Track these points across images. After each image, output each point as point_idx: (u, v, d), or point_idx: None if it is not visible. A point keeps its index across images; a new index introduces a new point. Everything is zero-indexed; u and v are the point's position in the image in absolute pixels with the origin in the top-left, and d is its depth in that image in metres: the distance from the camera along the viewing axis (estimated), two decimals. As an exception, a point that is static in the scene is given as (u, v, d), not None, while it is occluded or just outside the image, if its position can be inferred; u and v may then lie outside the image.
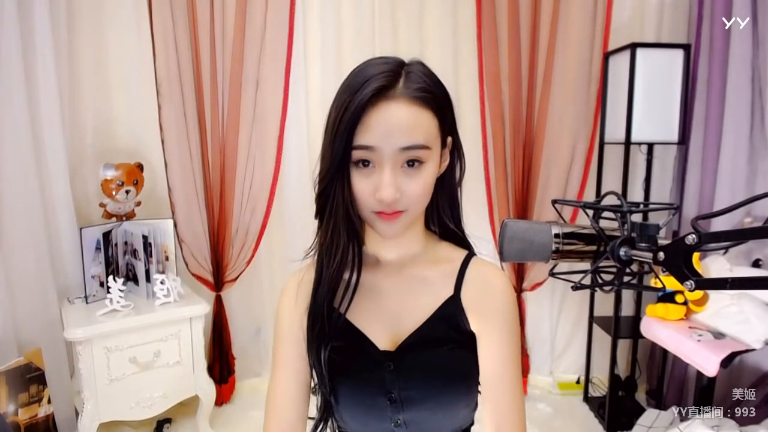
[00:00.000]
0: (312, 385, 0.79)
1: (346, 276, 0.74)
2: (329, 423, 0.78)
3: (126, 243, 2.28)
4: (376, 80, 0.65)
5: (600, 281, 0.66)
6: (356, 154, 0.67)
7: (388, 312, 0.77)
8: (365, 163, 0.68)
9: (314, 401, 0.79)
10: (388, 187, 0.66)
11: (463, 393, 0.75)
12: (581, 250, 0.66)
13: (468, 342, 0.77)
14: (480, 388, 0.76)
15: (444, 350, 0.75)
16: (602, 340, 2.57)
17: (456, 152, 0.77)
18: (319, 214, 0.74)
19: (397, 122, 0.66)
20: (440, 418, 0.75)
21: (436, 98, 0.69)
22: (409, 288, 0.78)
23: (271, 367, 0.79)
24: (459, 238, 0.83)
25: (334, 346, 0.74)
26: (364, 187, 0.68)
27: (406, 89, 0.67)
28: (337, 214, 0.70)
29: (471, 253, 0.82)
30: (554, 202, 0.77)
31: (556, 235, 0.66)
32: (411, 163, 0.68)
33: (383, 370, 0.74)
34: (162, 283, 2.11)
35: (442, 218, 0.81)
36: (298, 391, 0.76)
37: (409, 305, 0.77)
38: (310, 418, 0.78)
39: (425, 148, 0.67)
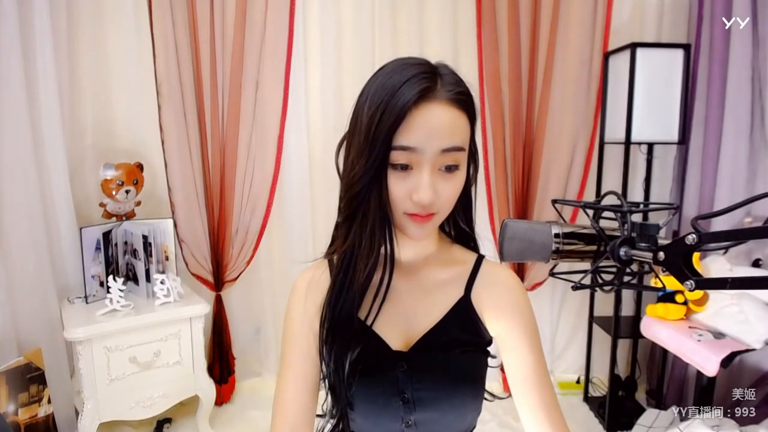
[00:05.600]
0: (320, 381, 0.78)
1: (375, 279, 0.73)
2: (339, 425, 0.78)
3: (126, 243, 2.28)
4: (417, 80, 0.64)
5: (600, 281, 0.66)
6: (396, 156, 0.66)
7: (402, 313, 0.77)
8: (403, 166, 0.67)
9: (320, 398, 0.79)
10: (426, 189, 0.66)
11: (473, 395, 0.75)
12: (581, 250, 0.67)
13: (479, 344, 0.77)
14: (516, 387, 0.75)
15: (456, 352, 0.75)
16: (602, 340, 2.58)
17: (472, 156, 0.77)
18: (350, 217, 0.72)
19: (439, 124, 0.65)
20: (450, 420, 0.75)
21: (470, 101, 0.69)
22: (423, 289, 0.78)
23: (280, 367, 0.79)
24: (470, 240, 0.83)
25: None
26: (400, 188, 0.67)
27: (445, 91, 0.66)
28: (374, 217, 0.69)
29: (482, 256, 0.82)
30: (554, 202, 0.77)
31: (556, 235, 0.66)
32: (449, 167, 0.67)
33: (396, 371, 0.73)
34: (162, 282, 2.11)
35: (457, 220, 0.82)
36: (306, 391, 0.76)
37: (423, 306, 0.77)
38: (318, 415, 0.78)
39: (462, 150, 0.68)
